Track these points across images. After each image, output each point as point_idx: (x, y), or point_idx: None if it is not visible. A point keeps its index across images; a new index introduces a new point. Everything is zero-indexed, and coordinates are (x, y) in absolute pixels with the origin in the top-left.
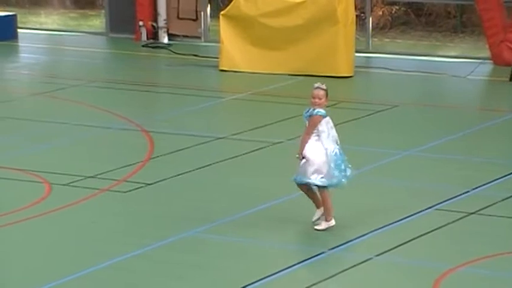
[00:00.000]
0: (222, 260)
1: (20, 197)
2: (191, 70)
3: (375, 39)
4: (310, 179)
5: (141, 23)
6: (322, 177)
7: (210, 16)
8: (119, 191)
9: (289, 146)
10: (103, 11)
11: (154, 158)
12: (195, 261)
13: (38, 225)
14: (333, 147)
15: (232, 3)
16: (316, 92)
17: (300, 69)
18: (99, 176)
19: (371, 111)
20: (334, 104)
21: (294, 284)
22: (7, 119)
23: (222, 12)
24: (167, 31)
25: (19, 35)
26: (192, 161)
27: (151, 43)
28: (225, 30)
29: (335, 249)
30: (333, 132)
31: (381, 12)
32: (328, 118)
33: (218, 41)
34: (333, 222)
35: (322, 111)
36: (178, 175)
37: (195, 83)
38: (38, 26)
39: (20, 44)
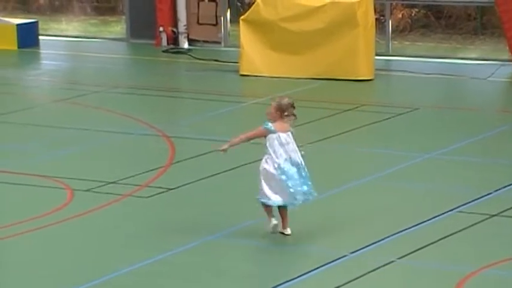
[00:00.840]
0: (244, 265)
1: (42, 203)
2: (211, 75)
3: (395, 42)
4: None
5: (161, 29)
6: (259, 197)
7: (230, 21)
8: (141, 197)
9: (310, 150)
10: (123, 17)
11: (175, 163)
12: (217, 266)
13: (60, 231)
14: (282, 162)
15: (252, 8)
16: (272, 103)
17: (320, 73)
18: (120, 182)
19: (392, 114)
20: (355, 108)
21: (317, 287)
22: (29, 126)
23: (242, 17)
24: (187, 36)
25: (40, 42)
26: (214, 165)
27: (171, 48)
28: (245, 35)
29: (357, 252)
30: (285, 148)
31: (400, 15)
32: (278, 134)
33: (238, 46)
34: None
35: (268, 125)
36: (200, 180)
37: (215, 88)
38: (59, 33)
39: (41, 51)
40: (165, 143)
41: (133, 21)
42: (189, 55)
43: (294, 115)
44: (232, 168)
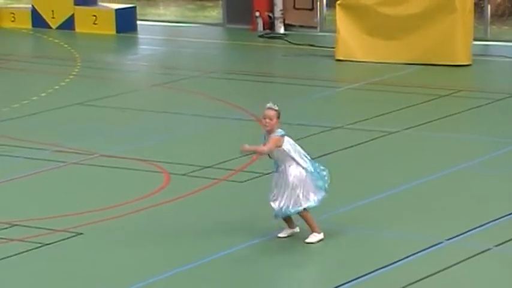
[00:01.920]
0: (339, 250)
1: (139, 187)
2: (307, 60)
3: (494, 27)
4: (291, 210)
5: (257, 14)
6: (299, 206)
7: (326, 6)
8: (236, 181)
9: (406, 135)
10: (220, 2)
11: None
12: (312, 250)
13: (156, 214)
14: (305, 164)
15: None
16: (267, 112)
17: (417, 58)
18: (216, 166)
19: (489, 100)
20: (452, 93)
21: (411, 274)
22: (127, 110)
23: (338, 2)
24: (283, 21)
25: (138, 27)
26: (308, 151)
27: (267, 33)
28: (342, 19)
29: (453, 239)
30: (298, 148)
31: (499, 0)
32: (287, 138)
33: (334, 31)
34: (321, 235)
35: (280, 131)
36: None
37: (311, 72)
38: (156, 18)
39: (139, 36)
40: (260, 127)
41: (229, 6)
42: (285, 40)
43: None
44: (325, 154)
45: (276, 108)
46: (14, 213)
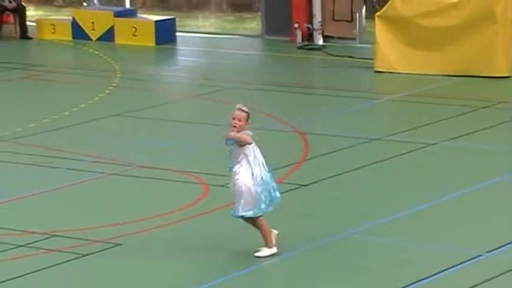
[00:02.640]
0: (377, 262)
1: (177, 198)
2: (346, 71)
3: None
4: (240, 212)
5: (296, 25)
6: (249, 209)
7: (366, 17)
8: None
9: (445, 147)
10: (259, 14)
11: (309, 159)
12: (350, 263)
13: (194, 225)
14: (259, 172)
15: (388, 4)
16: (236, 113)
17: (457, 69)
18: None
19: None
20: (492, 105)
21: (451, 286)
22: (165, 121)
23: (377, 13)
24: (322, 33)
25: (177, 38)
26: (347, 162)
27: (306, 45)
28: (381, 31)
29: (494, 252)
30: (259, 155)
31: None
32: (254, 143)
33: (373, 42)
34: (275, 249)
35: (248, 132)
36: (334, 176)
37: (349, 84)
38: (195, 29)
39: (178, 47)
40: (299, 139)
41: (268, 18)
42: (324, 51)
43: None
44: (364, 166)
45: (246, 110)
46: (53, 223)
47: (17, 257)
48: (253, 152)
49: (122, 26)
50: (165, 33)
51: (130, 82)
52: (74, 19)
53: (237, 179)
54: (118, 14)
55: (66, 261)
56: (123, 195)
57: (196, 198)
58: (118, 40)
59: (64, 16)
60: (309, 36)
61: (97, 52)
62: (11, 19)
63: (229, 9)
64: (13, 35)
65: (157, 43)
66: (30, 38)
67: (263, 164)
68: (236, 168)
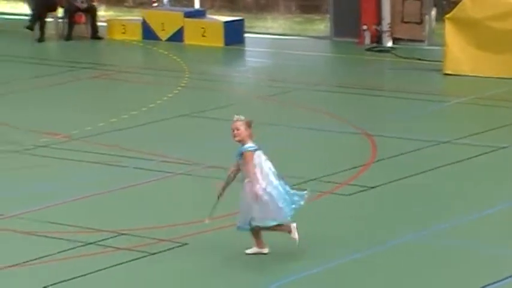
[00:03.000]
0: (446, 265)
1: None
2: (415, 74)
3: None
4: (258, 222)
5: (365, 27)
6: (269, 219)
7: (435, 19)
8: (341, 194)
9: None
10: (328, 16)
11: (377, 161)
12: (415, 267)
13: None
14: (267, 183)
15: (458, 6)
16: (233, 124)
17: None
18: (321, 179)
19: None
20: None
21: None
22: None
23: (447, 16)
24: (391, 35)
25: (246, 39)
26: (415, 165)
27: (374, 47)
28: (450, 33)
29: None
30: (268, 164)
31: None
32: (259, 152)
33: (442, 45)
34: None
35: (250, 145)
36: (401, 179)
37: (418, 86)
38: (264, 31)
39: (246, 48)
40: (367, 141)
41: (337, 19)
42: (393, 53)
43: None
44: (433, 169)
45: (242, 118)
46: (121, 222)
47: (85, 254)
48: (259, 164)
49: (192, 27)
50: (234, 34)
51: (198, 82)
52: (144, 19)
53: (247, 191)
54: (188, 15)
55: (134, 260)
56: (190, 194)
57: None
58: (187, 40)
59: (134, 16)
60: (377, 38)
61: (166, 52)
62: (83, 19)
63: (297, 10)
64: (84, 35)
65: (226, 44)
66: (100, 38)
67: (273, 175)
68: (245, 180)
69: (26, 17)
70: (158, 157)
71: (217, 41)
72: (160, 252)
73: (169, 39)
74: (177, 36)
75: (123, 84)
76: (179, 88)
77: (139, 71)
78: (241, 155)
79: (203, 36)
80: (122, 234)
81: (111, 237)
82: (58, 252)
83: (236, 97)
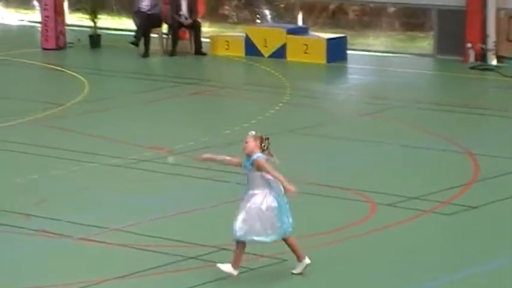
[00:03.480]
0: None
1: (344, 216)
2: None
3: None
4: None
5: (469, 45)
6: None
7: None
8: (442, 213)
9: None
10: (431, 33)
11: (479, 181)
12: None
13: (360, 243)
14: (272, 199)
15: None
16: (244, 139)
17: None
18: (422, 197)
19: None
20: None
21: None
22: (333, 139)
23: None
24: (496, 53)
25: (348, 56)
26: None
27: (479, 65)
28: None
29: None
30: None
31: None
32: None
33: None
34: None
35: (259, 154)
36: (505, 199)
37: None
38: (366, 48)
39: (348, 65)
40: (468, 160)
41: (441, 37)
42: (497, 72)
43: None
44: None
45: (253, 134)
46: (222, 237)
47: (185, 268)
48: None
49: (294, 43)
50: (337, 51)
51: (300, 99)
52: (247, 36)
53: (252, 203)
54: (290, 31)
55: None
56: (291, 211)
57: (363, 217)
58: (290, 57)
59: (238, 33)
60: (482, 56)
61: (268, 69)
62: (187, 35)
63: (401, 28)
64: (188, 51)
65: (328, 61)
66: (204, 54)
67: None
68: (251, 192)
69: (132, 33)
70: None
71: (320, 58)
72: (259, 268)
73: (272, 55)
74: (280, 53)
75: (225, 100)
76: (280, 104)
77: (242, 87)
78: (253, 163)
79: (305, 53)
80: (223, 249)
81: (212, 252)
82: (158, 266)
83: (338, 114)
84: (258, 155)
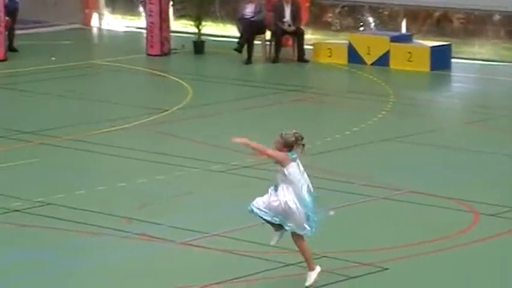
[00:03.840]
0: None
1: (447, 225)
2: None
3: None
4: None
5: None
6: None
7: None
8: None
9: None
10: None
11: None
12: None
13: (462, 254)
14: (293, 196)
15: None
16: (275, 137)
17: None
18: None
19: None
20: None
21: None
22: (436, 148)
23: None
24: None
25: (452, 64)
26: None
27: None
28: None
29: None
30: (303, 178)
31: None
32: (298, 162)
33: None
34: (318, 268)
35: (292, 154)
36: None
37: None
38: (471, 56)
39: (452, 73)
40: None
41: None
42: None
43: (303, 145)
44: None
45: (284, 136)
46: (322, 244)
47: (285, 275)
48: (296, 174)
49: (398, 51)
50: (441, 59)
51: (403, 107)
52: (350, 43)
53: (282, 199)
54: (394, 39)
55: (333, 283)
56: (392, 219)
57: (466, 227)
58: (393, 65)
59: (340, 40)
60: None
61: (371, 76)
62: (290, 42)
63: (506, 36)
64: (291, 58)
65: (432, 69)
66: (307, 61)
67: (307, 187)
68: (279, 188)
69: (235, 40)
70: (360, 180)
71: (423, 65)
72: (360, 276)
73: (375, 63)
74: (383, 61)
75: (327, 107)
76: (383, 112)
77: (344, 94)
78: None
79: (409, 60)
80: (323, 256)
81: (313, 259)
82: (258, 272)
83: (441, 123)
84: (288, 153)
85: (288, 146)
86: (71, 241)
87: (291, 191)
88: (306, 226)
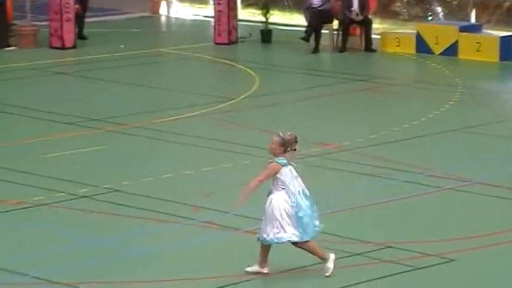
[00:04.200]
0: None
1: (504, 219)
2: None
3: None
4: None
5: None
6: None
7: None
8: None
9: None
10: None
11: None
12: None
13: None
14: (290, 199)
15: None
16: (272, 137)
17: None
18: None
19: None
20: None
21: None
22: (506, 138)
23: None
24: None
25: None
26: None
27: None
28: None
29: None
30: (297, 182)
31: None
32: (290, 167)
33: None
34: (332, 255)
35: (282, 160)
36: None
37: None
38: None
39: None
40: None
41: None
42: None
43: (295, 149)
44: None
45: (281, 136)
46: (388, 234)
47: (351, 265)
48: (290, 179)
49: (466, 41)
50: (510, 50)
51: (471, 98)
52: (418, 33)
53: (274, 204)
54: (463, 29)
55: (399, 273)
56: (459, 210)
57: None
58: (461, 55)
59: (408, 29)
60: None
61: (439, 66)
62: (357, 31)
63: None
64: (358, 47)
65: (501, 59)
66: (374, 51)
67: (301, 193)
68: (272, 195)
69: (302, 29)
70: (426, 171)
71: (493, 56)
72: (426, 267)
73: (443, 53)
74: (451, 51)
75: (394, 97)
76: (451, 103)
77: (412, 84)
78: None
79: (478, 51)
80: (389, 246)
81: (378, 249)
82: (322, 262)
83: (509, 113)
84: (278, 160)
85: (284, 145)
86: (138, 228)
87: (283, 197)
88: (293, 234)
